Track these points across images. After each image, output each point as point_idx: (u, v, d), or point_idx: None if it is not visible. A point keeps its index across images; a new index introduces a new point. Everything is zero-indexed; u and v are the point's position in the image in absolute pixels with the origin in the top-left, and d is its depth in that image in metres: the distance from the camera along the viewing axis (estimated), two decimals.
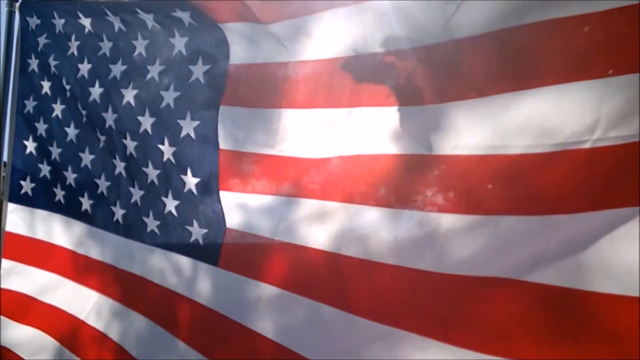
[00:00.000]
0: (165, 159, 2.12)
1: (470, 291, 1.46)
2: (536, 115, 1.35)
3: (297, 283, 1.81)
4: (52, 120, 2.56)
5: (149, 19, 2.11)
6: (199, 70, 2.03)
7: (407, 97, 1.60)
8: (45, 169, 2.64)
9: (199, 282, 2.09)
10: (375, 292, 1.64)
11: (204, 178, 2.04)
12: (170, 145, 2.09)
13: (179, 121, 2.05)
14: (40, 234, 2.69)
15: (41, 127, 2.61)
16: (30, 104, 2.66)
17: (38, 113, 2.62)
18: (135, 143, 2.21)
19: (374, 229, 1.64)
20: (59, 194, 2.60)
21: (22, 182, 2.72)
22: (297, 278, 1.82)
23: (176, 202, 2.12)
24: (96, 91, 2.31)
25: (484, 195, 1.45)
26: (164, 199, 2.15)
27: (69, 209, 2.57)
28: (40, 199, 2.68)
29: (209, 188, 2.02)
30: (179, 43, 2.08)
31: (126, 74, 2.22)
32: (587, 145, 1.29)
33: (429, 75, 1.57)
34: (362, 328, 1.63)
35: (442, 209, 1.50)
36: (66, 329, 2.58)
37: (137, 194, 2.26)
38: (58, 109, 2.54)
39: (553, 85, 1.34)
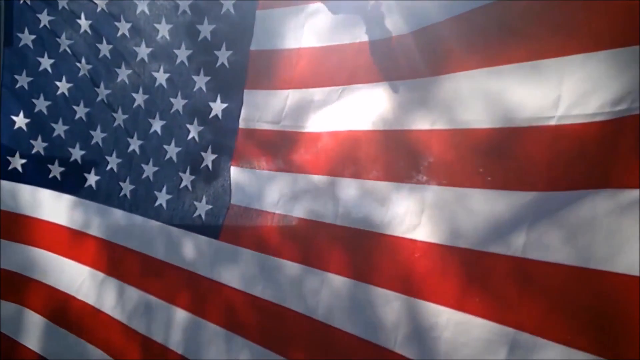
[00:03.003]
0: (190, 137, 2.27)
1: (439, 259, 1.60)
2: (505, 92, 1.45)
3: (297, 253, 1.96)
4: (58, 98, 2.57)
5: (182, 3, 2.25)
6: (223, 56, 2.21)
7: (391, 74, 1.78)
8: (39, 146, 2.63)
9: (200, 254, 2.23)
10: (370, 259, 1.79)
11: (221, 155, 2.21)
12: (199, 125, 2.25)
13: (210, 103, 2.22)
14: (29, 211, 2.66)
15: (41, 104, 2.60)
16: (23, 80, 2.63)
17: (36, 89, 2.61)
18: (163, 122, 2.33)
19: (367, 201, 1.81)
20: (55, 170, 2.60)
21: (10, 158, 2.67)
22: (297, 248, 1.97)
23: (192, 177, 2.27)
24: (123, 72, 2.40)
25: (460, 168, 1.58)
26: (181, 174, 2.30)
27: (67, 185, 2.58)
28: (32, 176, 2.65)
29: (224, 164, 2.20)
30: (205, 29, 2.24)
31: (154, 57, 2.34)
32: (553, 122, 1.37)
33: (408, 55, 1.73)
34: (358, 291, 1.79)
35: (426, 181, 1.65)
36: (54, 304, 2.58)
37: (150, 170, 2.38)
38: (64, 87, 2.56)
39: (521, 63, 1.43)
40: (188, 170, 2.27)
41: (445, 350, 1.55)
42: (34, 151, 2.63)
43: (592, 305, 1.29)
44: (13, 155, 2.66)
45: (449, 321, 1.54)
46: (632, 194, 1.23)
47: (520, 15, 1.46)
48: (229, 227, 2.15)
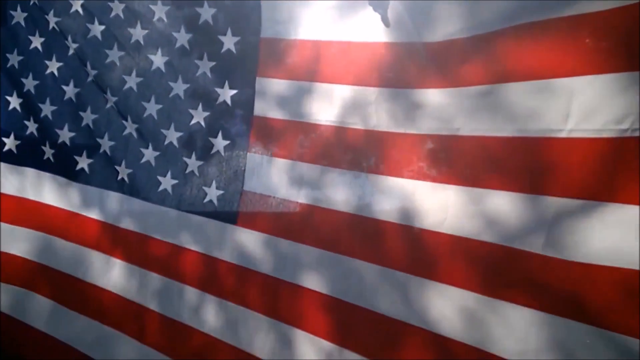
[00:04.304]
0: (193, 122, 2.26)
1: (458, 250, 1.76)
2: (522, 104, 1.62)
3: (317, 238, 2.06)
4: (46, 77, 2.51)
5: None
6: (229, 41, 2.17)
7: (416, 82, 1.87)
8: (32, 127, 2.58)
9: (218, 240, 2.26)
10: (386, 245, 1.93)
11: (234, 141, 2.21)
12: (204, 110, 2.24)
13: (216, 89, 2.20)
14: (28, 193, 2.64)
15: (29, 84, 2.54)
16: (14, 58, 2.56)
17: (25, 68, 2.54)
18: (159, 106, 2.30)
19: (386, 195, 1.93)
20: (48, 152, 2.58)
21: (5, 139, 2.63)
22: (315, 234, 2.06)
23: (200, 163, 2.28)
24: (115, 54, 2.34)
25: (480, 171, 1.74)
26: (185, 159, 2.30)
27: (60, 168, 2.57)
28: (27, 157, 2.63)
29: (237, 151, 2.21)
30: (206, 13, 2.19)
31: (150, 39, 2.29)
32: (563, 135, 1.56)
33: (438, 66, 1.84)
34: (370, 272, 1.93)
35: (446, 181, 1.80)
36: (59, 287, 2.61)
37: (150, 154, 2.36)
38: (53, 66, 2.49)
39: (535, 81, 1.60)
40: (194, 156, 2.27)
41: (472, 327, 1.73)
42: (27, 132, 2.60)
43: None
44: (8, 137, 2.63)
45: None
46: (632, 210, 1.43)
47: (535, 37, 1.61)
48: (245, 212, 2.20)
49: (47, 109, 2.52)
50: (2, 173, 2.67)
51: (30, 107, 2.56)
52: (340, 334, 2.01)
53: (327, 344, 2.02)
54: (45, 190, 2.62)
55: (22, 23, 2.53)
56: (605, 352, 1.50)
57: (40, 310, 2.63)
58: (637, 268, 1.44)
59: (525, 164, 1.65)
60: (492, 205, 1.70)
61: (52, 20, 2.44)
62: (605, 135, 1.49)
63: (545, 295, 1.60)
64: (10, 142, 2.64)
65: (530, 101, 1.62)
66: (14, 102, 2.60)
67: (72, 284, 2.53)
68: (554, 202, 1.58)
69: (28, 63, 2.54)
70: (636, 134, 1.45)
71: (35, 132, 2.58)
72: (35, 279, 2.65)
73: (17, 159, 2.65)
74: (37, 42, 2.51)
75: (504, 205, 1.67)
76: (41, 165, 2.60)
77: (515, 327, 1.65)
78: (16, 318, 2.66)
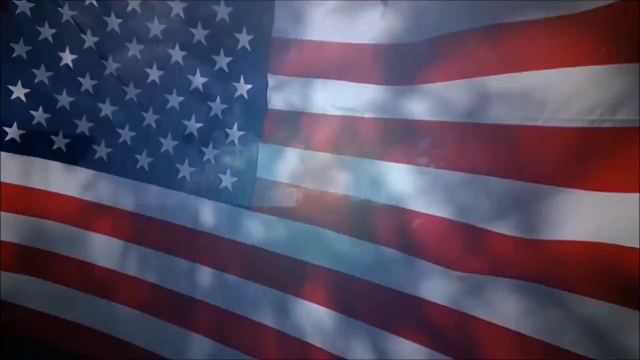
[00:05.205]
0: (212, 114, 2.43)
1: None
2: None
3: (319, 219, 2.30)
4: (60, 69, 2.55)
5: None
6: (244, 39, 2.36)
7: (412, 78, 2.08)
8: (40, 117, 2.61)
9: (234, 223, 2.47)
10: (384, 224, 2.16)
11: (248, 132, 2.42)
12: (222, 102, 2.41)
13: (233, 83, 2.39)
14: (35, 182, 2.67)
15: (41, 74, 2.57)
16: (21, 49, 2.57)
17: (36, 59, 2.56)
18: (181, 99, 2.45)
19: (382, 179, 2.16)
20: (60, 142, 2.62)
21: (7, 129, 2.63)
22: (322, 215, 2.29)
23: (216, 152, 2.46)
24: (135, 47, 2.44)
25: (468, 156, 1.93)
26: (203, 148, 2.47)
27: (74, 157, 2.62)
28: (33, 147, 2.65)
29: (251, 141, 2.42)
30: (223, 11, 2.36)
31: (168, 34, 2.41)
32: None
33: (427, 62, 2.04)
34: (375, 252, 2.17)
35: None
36: (72, 273, 2.69)
37: (169, 143, 2.51)
38: (67, 58, 2.54)
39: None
40: (211, 145, 2.45)
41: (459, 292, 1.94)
42: (34, 122, 2.62)
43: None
44: (10, 126, 2.63)
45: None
46: (594, 195, 1.59)
47: (515, 34, 1.76)
48: (258, 198, 2.40)
49: (64, 100, 2.57)
50: (2, 162, 2.67)
51: (41, 97, 2.59)
52: (346, 305, 2.25)
53: (334, 314, 2.26)
54: (54, 178, 2.66)
55: (28, 13, 2.54)
56: (577, 315, 1.64)
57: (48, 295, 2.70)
58: (604, 241, 1.57)
59: (506, 151, 1.81)
60: (468, 189, 1.90)
61: (67, 13, 2.48)
62: (575, 125, 1.61)
63: (520, 269, 1.77)
64: (12, 132, 2.64)
65: (511, 91, 1.76)
66: (18, 92, 2.60)
67: (89, 270, 2.64)
68: (528, 187, 1.74)
69: (39, 54, 2.55)
70: (604, 124, 1.56)
71: (43, 122, 2.61)
72: (52, 268, 2.71)
73: (20, 148, 2.66)
74: (47, 33, 2.53)
75: (480, 188, 1.87)
76: (49, 154, 2.63)
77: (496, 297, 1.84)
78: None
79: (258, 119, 2.39)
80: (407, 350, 2.03)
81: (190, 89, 2.43)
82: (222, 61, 2.38)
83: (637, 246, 1.47)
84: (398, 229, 2.13)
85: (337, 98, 2.26)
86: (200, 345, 2.52)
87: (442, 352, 1.92)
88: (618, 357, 1.56)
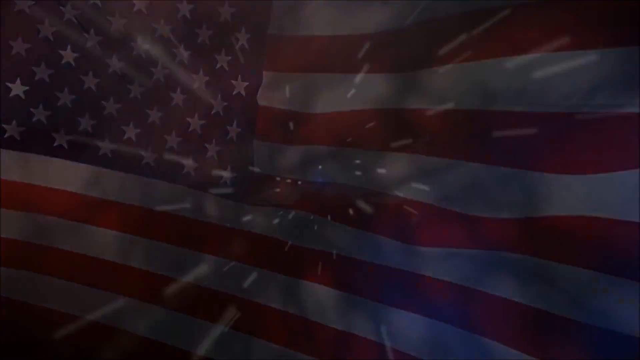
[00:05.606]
0: (214, 112, 2.57)
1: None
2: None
3: (313, 206, 2.51)
4: (62, 67, 2.59)
5: None
6: (243, 37, 2.53)
7: (405, 66, 2.23)
8: (41, 114, 2.63)
9: (232, 214, 2.63)
10: (375, 211, 2.38)
11: (245, 129, 2.58)
12: (223, 100, 2.56)
13: (232, 81, 2.54)
14: (35, 179, 2.70)
15: (42, 72, 2.59)
16: (20, 46, 2.57)
17: (36, 57, 2.58)
18: (184, 96, 2.57)
19: (369, 167, 2.37)
20: (61, 139, 2.66)
21: (6, 126, 2.64)
22: (312, 203, 2.50)
23: (217, 148, 2.60)
24: (140, 47, 2.53)
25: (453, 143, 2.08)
26: (206, 145, 2.59)
27: (77, 154, 2.67)
28: (33, 144, 2.67)
29: (248, 138, 2.58)
30: (226, 12, 2.50)
31: (174, 34, 2.52)
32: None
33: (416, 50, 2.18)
34: (364, 239, 2.39)
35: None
36: (76, 267, 2.74)
37: (174, 140, 2.62)
38: (70, 56, 2.58)
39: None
40: (214, 142, 2.58)
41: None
42: (34, 119, 2.65)
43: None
44: (9, 123, 2.65)
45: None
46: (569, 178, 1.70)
47: (498, 21, 1.84)
48: (253, 191, 2.57)
49: (66, 97, 2.61)
50: (1, 159, 2.68)
51: (41, 95, 2.61)
52: (346, 284, 2.45)
53: (335, 292, 2.46)
54: (56, 175, 2.71)
55: (27, 11, 2.56)
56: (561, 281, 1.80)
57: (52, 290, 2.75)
58: (578, 214, 1.72)
59: (487, 137, 1.89)
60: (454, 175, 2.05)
61: (69, 12, 2.53)
62: (554, 110, 1.68)
63: (502, 243, 1.97)
64: (11, 129, 2.66)
65: (492, 77, 1.84)
66: (17, 89, 2.62)
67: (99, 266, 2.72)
68: (508, 172, 1.85)
69: (39, 52, 2.57)
70: (579, 109, 1.63)
71: (44, 120, 2.64)
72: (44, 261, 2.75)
73: (19, 145, 2.68)
74: (47, 31, 2.56)
75: (465, 174, 2.01)
76: (50, 151, 2.67)
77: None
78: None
79: (253, 116, 2.56)
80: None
81: (194, 87, 2.56)
82: (223, 60, 2.53)
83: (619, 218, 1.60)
84: (392, 216, 2.31)
85: (331, 91, 2.41)
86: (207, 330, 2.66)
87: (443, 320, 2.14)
88: (594, 317, 1.77)
